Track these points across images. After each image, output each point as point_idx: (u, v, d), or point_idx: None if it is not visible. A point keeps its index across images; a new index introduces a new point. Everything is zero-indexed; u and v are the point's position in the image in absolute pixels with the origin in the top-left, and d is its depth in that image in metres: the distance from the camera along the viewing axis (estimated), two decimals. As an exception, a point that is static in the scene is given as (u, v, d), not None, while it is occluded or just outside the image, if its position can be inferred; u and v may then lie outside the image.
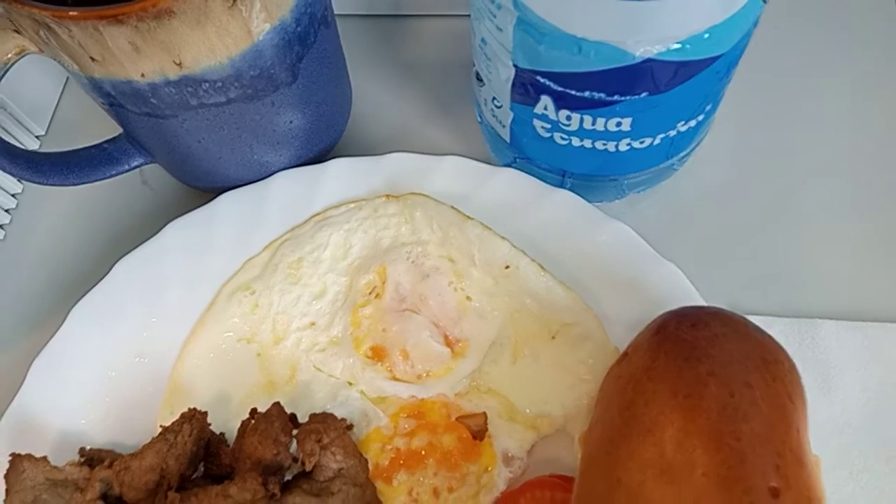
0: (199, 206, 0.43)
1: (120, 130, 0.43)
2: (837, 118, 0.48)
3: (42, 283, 0.46)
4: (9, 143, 0.38)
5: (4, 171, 0.38)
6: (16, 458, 0.35)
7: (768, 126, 0.48)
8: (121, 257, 0.42)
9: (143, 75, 0.33)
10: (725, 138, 0.46)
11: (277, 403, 0.36)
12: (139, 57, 0.32)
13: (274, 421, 0.35)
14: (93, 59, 0.32)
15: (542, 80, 0.34)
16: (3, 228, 0.48)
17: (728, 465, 0.26)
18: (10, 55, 0.33)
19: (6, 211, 0.48)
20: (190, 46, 0.32)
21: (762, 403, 0.28)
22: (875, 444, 0.38)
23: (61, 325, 0.40)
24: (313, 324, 0.41)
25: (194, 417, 0.36)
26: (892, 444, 0.37)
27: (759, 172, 0.46)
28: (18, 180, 0.49)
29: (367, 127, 0.50)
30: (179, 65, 0.33)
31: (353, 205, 0.43)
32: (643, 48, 0.31)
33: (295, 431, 0.35)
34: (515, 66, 0.35)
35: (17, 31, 0.33)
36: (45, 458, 0.36)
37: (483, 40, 0.36)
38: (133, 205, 0.49)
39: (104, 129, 0.43)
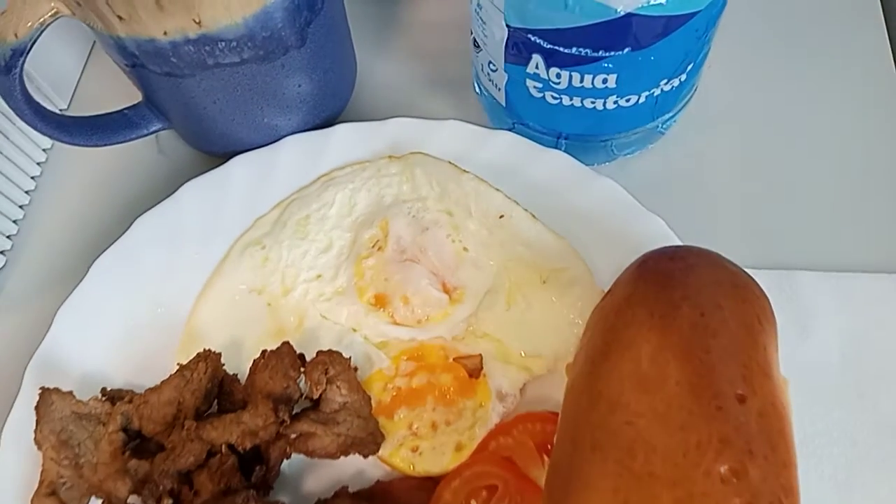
0: (212, 168, 0.46)
1: (139, 99, 0.46)
2: (813, 90, 0.50)
3: (67, 239, 0.49)
4: (41, 105, 0.41)
5: (36, 129, 0.41)
6: (45, 392, 0.38)
7: (750, 96, 0.50)
8: (140, 214, 0.45)
9: (165, 33, 0.36)
10: (711, 107, 0.48)
11: (287, 342, 0.38)
12: (162, 15, 0.35)
13: (284, 357, 0.38)
14: (120, 17, 0.35)
15: (532, 38, 0.37)
16: (29, 195, 0.51)
17: (698, 375, 0.28)
18: (45, 17, 0.36)
19: (32, 178, 0.51)
20: (209, 5, 0.35)
21: (731, 322, 0.30)
22: (847, 383, 0.40)
23: (84, 276, 0.43)
24: (320, 276, 0.43)
25: (209, 357, 0.39)
26: (863, 383, 0.40)
27: (742, 139, 0.49)
28: (43, 150, 0.52)
29: (371, 98, 0.52)
30: (199, 23, 0.35)
31: (357, 166, 0.46)
32: (625, 3, 0.33)
33: (302, 369, 0.38)
34: (508, 25, 0.37)
35: (51, -6, 0.36)
36: (71, 392, 0.39)
37: (479, 4, 0.39)
38: (150, 171, 0.52)
39: (123, 103, 0.46)
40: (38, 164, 0.52)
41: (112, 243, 0.44)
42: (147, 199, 0.48)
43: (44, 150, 0.53)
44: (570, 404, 0.32)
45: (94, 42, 0.58)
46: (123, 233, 0.44)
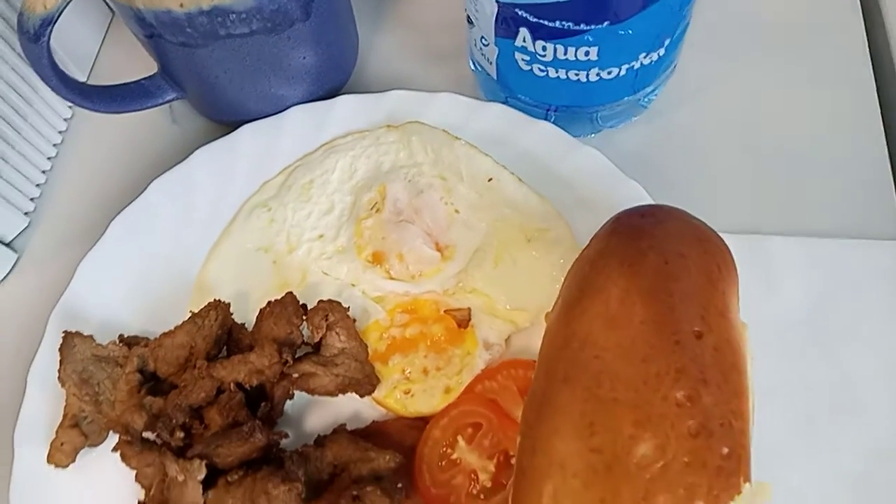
0: (225, 134, 0.49)
1: (154, 72, 0.49)
2: (786, 69, 0.52)
3: (86, 201, 0.52)
4: (65, 73, 0.44)
5: (61, 95, 0.44)
6: (67, 335, 0.41)
7: (727, 74, 0.53)
8: (155, 177, 0.48)
9: (181, 5, 0.39)
10: (690, 83, 0.51)
11: (290, 292, 0.42)
12: (178, -13, 0.38)
13: (287, 306, 0.41)
14: (139, -11, 0.38)
15: (519, 12, 0.40)
16: (50, 161, 0.54)
17: (660, 314, 0.31)
18: (69, -12, 0.39)
19: (53, 146, 0.55)
20: (221, -22, 0.38)
21: (692, 269, 0.33)
22: (811, 338, 0.43)
23: (103, 233, 0.46)
24: (322, 236, 0.47)
25: (219, 306, 0.42)
26: (825, 338, 0.43)
27: (719, 113, 0.51)
28: (64, 120, 0.56)
29: (372, 70, 0.55)
30: (211, -5, 0.39)
31: (357, 134, 0.49)
32: (602, -21, 0.36)
33: (304, 317, 0.41)
34: (497, 1, 0.40)
35: (75, -32, 0.39)
36: (91, 336, 0.42)
37: (471, -19, 0.42)
38: (164, 139, 0.55)
39: (139, 76, 0.49)
40: (60, 132, 0.55)
41: (129, 204, 0.47)
42: (161, 164, 0.51)
43: (65, 119, 0.56)
44: (547, 344, 0.35)
45: (112, 18, 0.61)
46: (139, 194, 0.47)
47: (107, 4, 0.60)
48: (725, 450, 0.28)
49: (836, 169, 0.48)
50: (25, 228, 0.52)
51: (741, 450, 0.29)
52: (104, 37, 0.60)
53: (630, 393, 0.30)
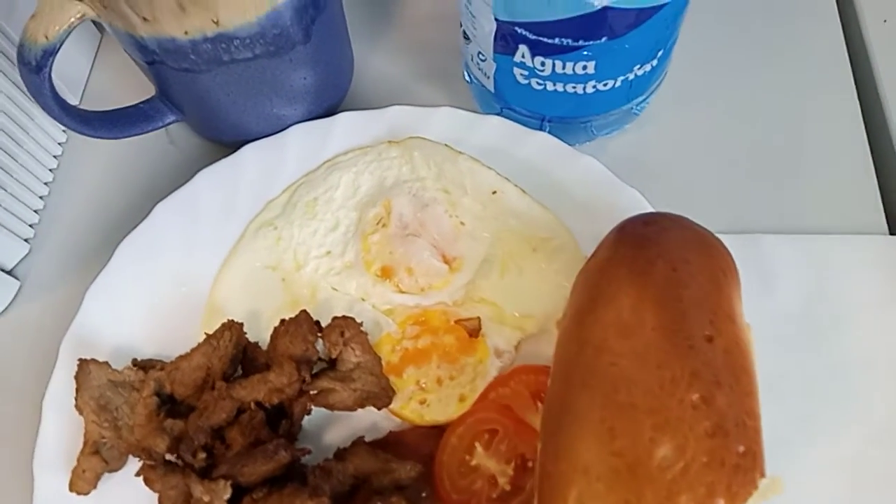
0: (226, 155, 0.50)
1: (150, 94, 0.49)
2: (773, 72, 0.54)
3: (85, 227, 0.53)
4: (66, 102, 0.44)
5: (62, 123, 0.44)
6: (83, 363, 0.42)
7: (715, 79, 0.54)
8: (159, 200, 0.48)
9: (185, 33, 0.39)
10: (680, 89, 0.53)
11: (304, 310, 0.42)
12: (184, 16, 0.38)
13: (302, 324, 0.41)
14: (144, 19, 0.39)
15: (519, 30, 0.41)
16: (47, 186, 0.54)
17: (671, 321, 0.33)
18: (73, 19, 0.39)
19: (50, 171, 0.55)
20: (226, 6, 0.38)
21: (699, 275, 0.35)
22: (806, 331, 0.45)
23: (110, 258, 0.47)
24: (329, 252, 0.47)
25: (233, 326, 0.43)
26: (819, 331, 0.45)
27: (708, 117, 0.53)
28: (58, 143, 0.55)
29: (367, 87, 0.56)
30: (217, 23, 0.39)
31: (359, 151, 0.49)
32: (600, -2, 0.37)
33: (319, 334, 0.42)
34: (497, 19, 0.41)
35: (79, -1, 0.39)
36: (106, 362, 0.42)
37: (469, 0, 0.43)
38: (161, 161, 0.55)
39: (130, 98, 0.49)
40: (55, 157, 0.55)
41: (134, 227, 0.47)
42: (159, 186, 0.52)
43: (59, 143, 0.56)
44: (561, 352, 0.36)
45: (100, 41, 0.61)
46: (145, 217, 0.48)
47: (96, 27, 0.60)
48: (741, 448, 0.30)
49: (821, 168, 0.50)
50: (27, 255, 0.52)
51: (755, 447, 0.31)
52: (94, 60, 0.60)
53: (647, 398, 0.31)
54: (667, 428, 0.30)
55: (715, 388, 0.31)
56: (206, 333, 0.42)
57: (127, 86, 0.57)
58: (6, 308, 0.50)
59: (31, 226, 0.52)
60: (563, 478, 0.31)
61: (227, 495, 0.37)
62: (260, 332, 0.45)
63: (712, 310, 0.34)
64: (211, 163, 0.50)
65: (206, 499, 0.37)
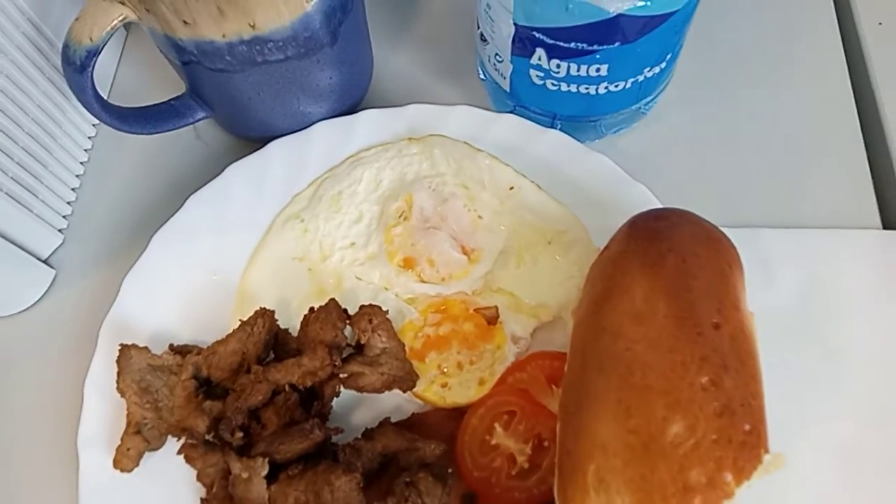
0: (252, 152, 0.52)
1: (179, 92, 0.52)
2: (773, 74, 0.57)
3: (116, 219, 0.55)
4: (105, 99, 0.46)
5: (101, 119, 0.46)
6: (124, 348, 0.44)
7: (720, 79, 0.57)
8: (191, 193, 0.51)
9: (223, 36, 0.42)
10: (686, 89, 0.55)
11: (333, 299, 0.45)
12: (223, 20, 0.40)
13: (332, 311, 0.44)
14: (185, 22, 0.41)
15: (537, 34, 0.43)
16: (79, 178, 0.56)
17: (682, 309, 0.36)
18: (115, 22, 0.41)
19: (81, 164, 0.57)
20: (263, 11, 0.41)
21: (707, 267, 0.37)
22: (804, 321, 0.47)
23: (146, 247, 0.49)
24: (353, 244, 0.50)
25: (265, 314, 0.45)
26: (816, 321, 0.47)
27: (713, 116, 0.56)
28: (88, 138, 0.58)
29: (386, 85, 0.58)
30: (253, 27, 0.41)
31: (381, 147, 0.52)
32: (616, 6, 0.40)
33: (347, 321, 0.45)
34: (515, 24, 0.44)
35: (121, 2, 0.41)
36: (146, 347, 0.45)
37: (488, 5, 0.45)
38: (188, 155, 0.57)
39: (155, 94, 0.52)
40: (86, 150, 0.57)
41: (168, 218, 0.50)
42: (187, 180, 0.54)
43: (89, 137, 0.58)
44: (578, 339, 0.39)
45: (125, 39, 0.63)
46: (178, 210, 0.50)
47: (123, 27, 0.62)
48: (747, 426, 0.33)
49: (819, 165, 0.53)
50: (60, 245, 0.54)
51: (760, 426, 0.33)
52: (119, 58, 0.62)
53: (660, 380, 0.34)
54: (678, 408, 0.33)
55: (722, 372, 0.34)
56: (239, 320, 0.45)
57: (151, 82, 0.59)
58: (43, 295, 0.52)
59: (64, 217, 0.55)
60: (583, 454, 0.34)
61: (265, 471, 0.40)
62: (289, 319, 0.47)
63: (719, 299, 0.36)
64: (238, 158, 0.52)
65: (245, 475, 0.40)
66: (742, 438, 0.32)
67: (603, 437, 0.34)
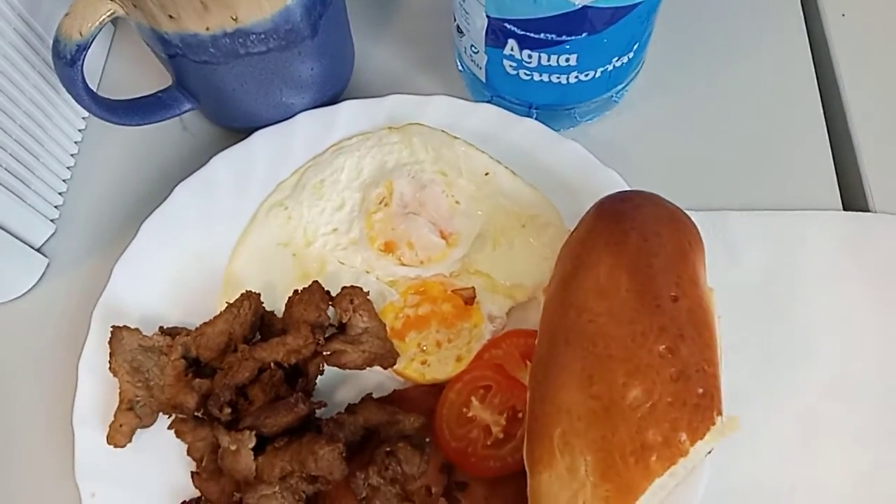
0: (237, 142, 0.54)
1: (165, 85, 0.53)
2: (738, 63, 0.59)
3: (106, 208, 0.56)
4: (94, 91, 0.48)
5: (91, 112, 0.48)
6: (116, 329, 0.46)
7: (687, 70, 0.59)
8: (178, 182, 0.52)
9: (207, 29, 0.43)
10: (655, 79, 0.57)
11: (316, 281, 0.47)
12: (206, 14, 0.42)
13: (315, 292, 0.46)
14: (170, 17, 0.43)
15: (508, 26, 0.45)
16: (70, 170, 0.58)
17: (642, 284, 0.38)
18: (103, 17, 0.43)
19: (71, 156, 0.58)
20: (245, 5, 0.42)
21: (667, 245, 0.39)
22: (766, 299, 0.50)
23: (136, 234, 0.51)
24: (336, 229, 0.52)
25: (251, 296, 0.47)
26: (778, 299, 0.50)
27: (681, 105, 0.58)
28: (78, 130, 0.59)
29: (367, 77, 0.60)
30: (235, 20, 0.43)
31: (362, 136, 0.54)
32: (581, -1, 0.42)
33: (330, 302, 0.47)
34: (488, 16, 0.46)
35: (110, -2, 0.43)
36: (137, 329, 0.47)
37: (462, -1, 0.47)
38: (175, 146, 0.59)
39: (142, 88, 0.53)
40: (76, 143, 0.59)
41: (156, 207, 0.52)
42: (174, 170, 0.56)
43: (79, 130, 0.60)
44: (547, 314, 0.41)
45: (113, 34, 0.64)
46: (165, 198, 0.52)
47: (111, 23, 0.63)
48: (700, 390, 0.35)
49: (783, 150, 0.55)
50: (53, 235, 0.56)
51: (713, 390, 0.36)
52: (108, 53, 0.64)
53: (621, 349, 0.36)
54: (637, 374, 0.35)
55: (679, 341, 0.36)
56: (226, 303, 0.47)
57: (139, 76, 0.61)
58: (36, 283, 0.54)
59: (56, 207, 0.56)
60: (549, 418, 0.36)
61: (252, 444, 0.42)
62: (274, 303, 0.49)
63: (678, 275, 0.38)
64: (224, 148, 0.54)
65: (233, 447, 0.42)
66: (696, 401, 0.35)
67: (568, 403, 0.36)
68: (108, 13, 0.43)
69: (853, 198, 0.54)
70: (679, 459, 0.34)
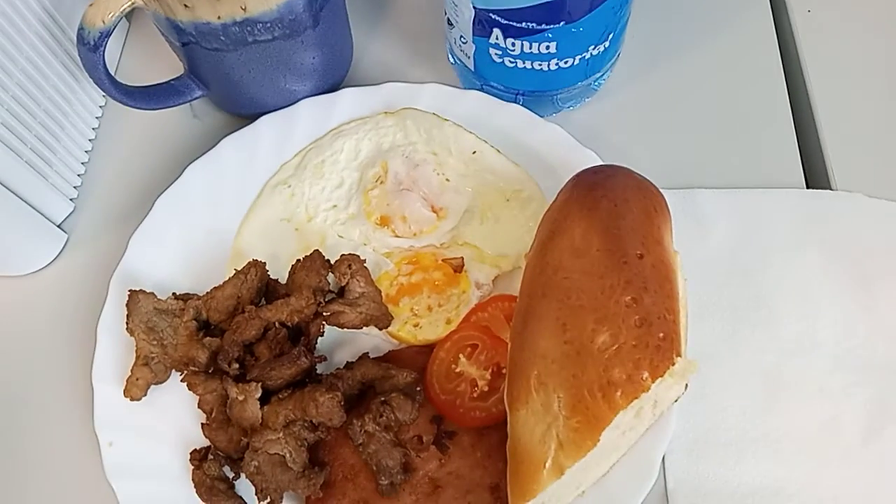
0: (244, 126, 0.58)
1: (173, 74, 0.58)
2: (709, 53, 0.63)
3: (122, 188, 0.61)
4: (114, 77, 0.52)
5: (111, 96, 0.53)
6: (133, 293, 0.50)
7: (661, 59, 0.63)
8: (189, 163, 0.57)
9: (218, 17, 0.48)
10: (632, 68, 0.62)
11: (317, 250, 0.51)
12: (218, 3, 0.47)
13: (316, 259, 0.50)
14: (185, 6, 0.47)
15: (493, 16, 0.50)
16: (87, 154, 0.62)
17: (611, 243, 0.42)
18: (125, 6, 0.48)
19: (89, 140, 0.63)
20: (253, -5, 0.47)
21: (635, 210, 0.43)
22: (735, 268, 0.54)
23: (150, 210, 0.55)
24: (335, 206, 0.56)
25: (257, 264, 0.51)
26: (746, 269, 0.53)
27: (656, 91, 0.62)
28: (96, 118, 0.64)
29: (365, 68, 0.65)
30: (244, 9, 0.48)
31: (360, 121, 0.58)
32: (558, -11, 0.46)
33: (330, 269, 0.51)
34: (475, 7, 0.50)
35: (130, -11, 0.47)
36: (153, 293, 0.51)
37: (452, -9, 0.52)
38: (186, 131, 0.63)
39: (155, 77, 0.57)
40: (94, 128, 0.63)
41: (169, 185, 0.56)
42: (185, 153, 0.60)
43: (97, 117, 0.64)
44: (528, 275, 0.45)
45: (129, 27, 0.69)
46: (178, 177, 0.56)
47: (125, 17, 0.68)
48: (661, 334, 0.39)
49: (751, 133, 0.60)
50: (72, 212, 0.60)
51: (673, 335, 0.40)
52: (123, 44, 0.68)
53: (591, 300, 0.40)
54: (605, 321, 0.39)
55: (643, 292, 0.40)
56: (234, 269, 0.51)
57: (151, 66, 0.65)
58: (57, 256, 0.58)
59: (75, 187, 0.61)
60: (527, 363, 0.40)
61: (258, 394, 0.46)
62: (278, 273, 0.53)
63: (644, 235, 0.43)
64: (232, 132, 0.58)
65: (241, 397, 0.46)
66: (657, 343, 0.39)
67: (543, 349, 0.40)
68: (130, 3, 0.48)
69: (816, 177, 0.59)
70: (641, 394, 0.38)
